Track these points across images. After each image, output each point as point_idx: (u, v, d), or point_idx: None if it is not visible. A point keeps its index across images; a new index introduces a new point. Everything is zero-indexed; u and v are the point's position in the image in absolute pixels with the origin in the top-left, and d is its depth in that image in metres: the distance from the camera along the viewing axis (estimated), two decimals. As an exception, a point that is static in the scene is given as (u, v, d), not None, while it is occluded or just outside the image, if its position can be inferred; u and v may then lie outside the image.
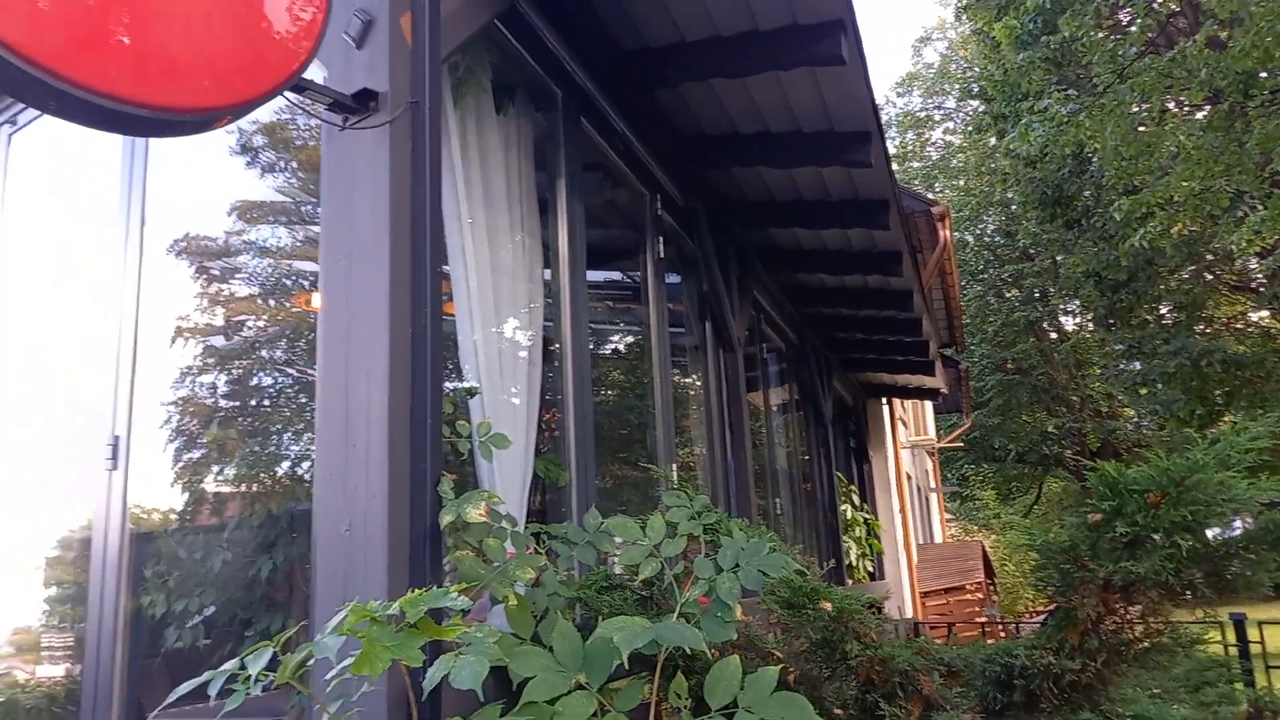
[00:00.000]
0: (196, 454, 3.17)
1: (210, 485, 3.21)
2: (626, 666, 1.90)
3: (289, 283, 3.78)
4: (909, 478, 13.14)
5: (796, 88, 4.21)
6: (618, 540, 2.63)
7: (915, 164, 24.43)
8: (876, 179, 4.98)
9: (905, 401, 13.43)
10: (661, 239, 4.90)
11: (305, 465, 3.21)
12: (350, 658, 1.71)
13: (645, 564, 2.30)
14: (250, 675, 1.55)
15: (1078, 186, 13.30)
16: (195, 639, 3.02)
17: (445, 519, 2.17)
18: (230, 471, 3.14)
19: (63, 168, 3.89)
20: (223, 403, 3.36)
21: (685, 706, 2.14)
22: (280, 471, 3.21)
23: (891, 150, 24.28)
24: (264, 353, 3.51)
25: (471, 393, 2.58)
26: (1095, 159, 10.49)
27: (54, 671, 3.95)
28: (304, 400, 3.47)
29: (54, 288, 3.81)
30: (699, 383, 5.59)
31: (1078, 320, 22.14)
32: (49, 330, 3.78)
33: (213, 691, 1.56)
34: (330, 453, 2.29)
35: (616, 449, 5.14)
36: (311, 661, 1.74)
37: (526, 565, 2.38)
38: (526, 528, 2.70)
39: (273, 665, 1.68)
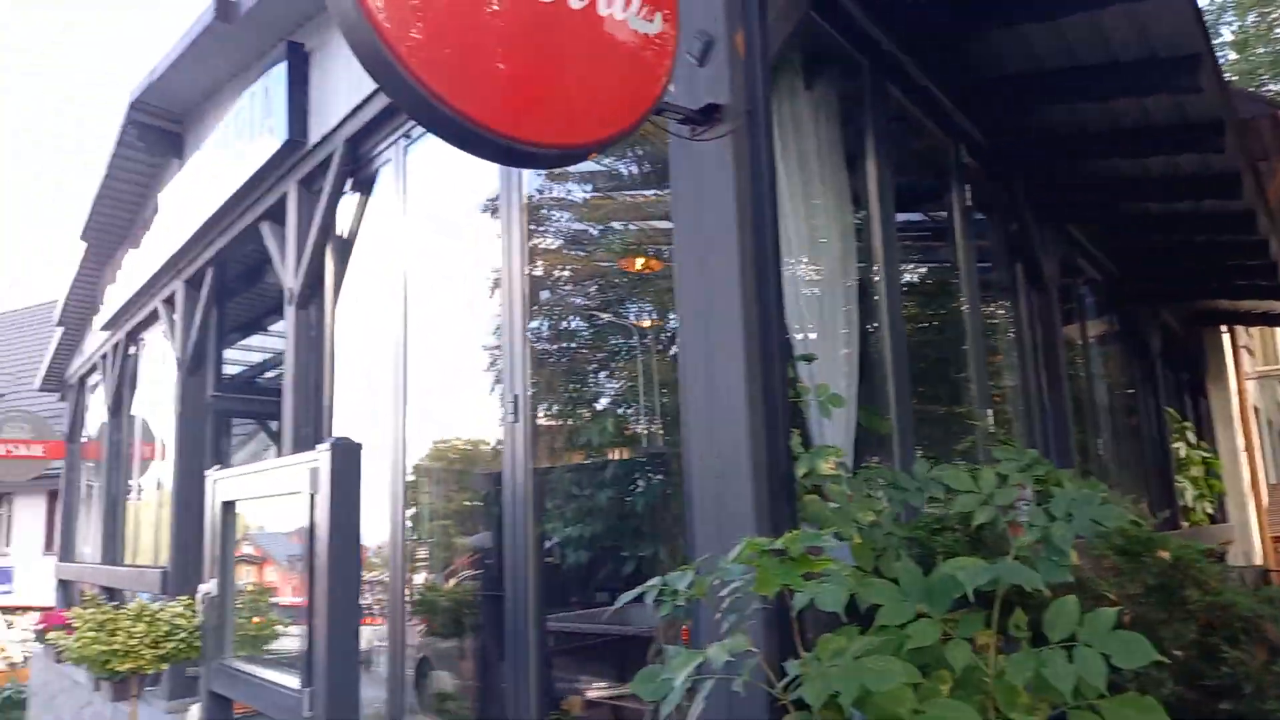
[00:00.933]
0: (578, 408, 3.84)
1: (589, 434, 3.87)
2: (972, 600, 2.19)
3: (637, 250, 4.34)
4: (1256, 411, 11.81)
5: (1110, 17, 4.05)
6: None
7: (1261, 49, 21.05)
8: (1208, 102, 4.64)
9: (1250, 328, 12.01)
10: (967, 184, 4.94)
11: (661, 417, 3.76)
12: (738, 580, 2.16)
13: (979, 511, 2.55)
14: (678, 590, 2.04)
15: None
16: (583, 559, 3.70)
17: (801, 470, 2.56)
18: (606, 423, 3.76)
19: (451, 172, 4.69)
20: (592, 363, 4.00)
21: (1024, 638, 2.38)
22: (642, 421, 3.79)
23: (1228, 37, 21.09)
24: (625, 318, 4.10)
25: (809, 359, 2.94)
26: None
27: (462, 582, 4.93)
28: (650, 358, 4.04)
29: (455, 274, 4.66)
30: (1010, 323, 5.56)
31: None
32: (462, 310, 4.64)
33: (648, 601, 2.07)
34: (697, 412, 2.76)
35: (923, 391, 5.30)
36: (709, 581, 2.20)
37: (867, 508, 2.72)
38: (859, 474, 3.04)
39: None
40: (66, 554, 13.45)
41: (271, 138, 5.47)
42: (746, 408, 2.61)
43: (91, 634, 4.79)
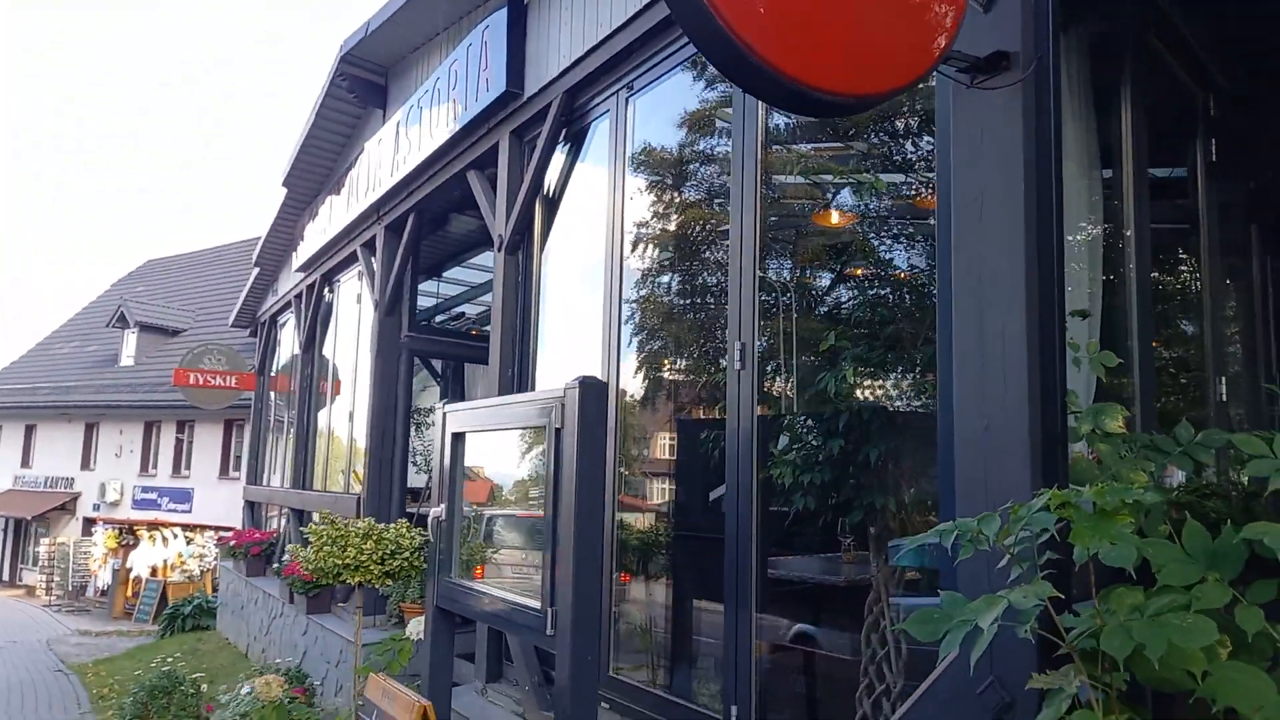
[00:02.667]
0: (809, 358, 3.89)
1: (822, 384, 3.91)
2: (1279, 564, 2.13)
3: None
4: None
5: None
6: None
7: None
8: None
9: None
10: (1213, 138, 4.65)
11: (882, 372, 3.77)
12: (1032, 530, 2.17)
13: (1275, 477, 2.46)
14: (987, 535, 2.08)
15: None
16: (810, 505, 3.78)
17: (1084, 427, 2.54)
18: (842, 372, 3.79)
19: (673, 123, 4.76)
20: (819, 315, 4.04)
21: (1322, 608, 2.31)
22: (874, 375, 3.81)
23: None
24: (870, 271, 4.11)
25: (1083, 314, 2.88)
26: None
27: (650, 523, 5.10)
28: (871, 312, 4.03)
29: (674, 223, 4.75)
30: (1241, 289, 5.25)
31: None
32: (678, 259, 4.75)
33: (946, 544, 2.12)
34: (966, 364, 2.76)
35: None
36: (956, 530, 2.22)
37: (1140, 469, 2.67)
38: (1117, 436, 2.97)
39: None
40: (254, 479, 14.60)
41: (487, 88, 5.68)
42: (1025, 357, 2.59)
43: (327, 549, 5.23)
